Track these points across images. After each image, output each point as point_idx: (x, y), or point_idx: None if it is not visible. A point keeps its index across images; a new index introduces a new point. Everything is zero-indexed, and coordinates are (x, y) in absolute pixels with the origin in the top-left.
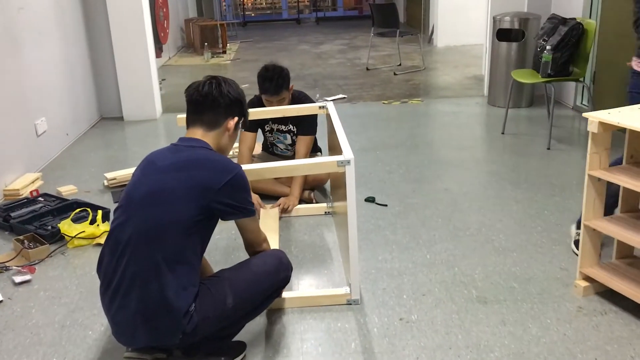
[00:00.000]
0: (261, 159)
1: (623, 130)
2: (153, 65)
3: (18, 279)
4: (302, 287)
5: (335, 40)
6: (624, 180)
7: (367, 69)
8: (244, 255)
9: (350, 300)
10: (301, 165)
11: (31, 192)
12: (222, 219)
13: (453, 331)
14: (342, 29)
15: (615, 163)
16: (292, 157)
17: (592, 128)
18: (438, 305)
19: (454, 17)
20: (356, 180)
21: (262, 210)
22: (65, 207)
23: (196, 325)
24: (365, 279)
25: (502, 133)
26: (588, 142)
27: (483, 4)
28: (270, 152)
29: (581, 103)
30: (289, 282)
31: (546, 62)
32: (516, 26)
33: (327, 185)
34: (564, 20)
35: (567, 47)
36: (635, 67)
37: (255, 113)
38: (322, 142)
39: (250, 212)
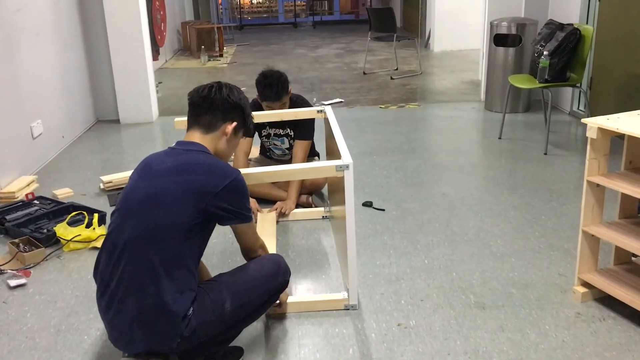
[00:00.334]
0: (258, 163)
1: (621, 136)
2: (150, 68)
3: (13, 282)
4: (299, 292)
5: (332, 44)
6: (623, 186)
7: (364, 73)
8: (241, 260)
9: (348, 305)
10: (300, 169)
11: (27, 195)
12: (219, 224)
13: (451, 337)
14: (339, 33)
15: None
16: (289, 162)
17: (591, 134)
18: (436, 310)
19: (451, 21)
20: (354, 185)
21: (259, 214)
22: (61, 210)
23: (194, 329)
24: (363, 284)
25: (499, 138)
26: (587, 148)
27: (480, 9)
28: (268, 156)
29: (578, 108)
30: (287, 286)
31: (543, 68)
32: (513, 31)
33: (325, 190)
34: (561, 26)
35: (564, 52)
36: None
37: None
38: (320, 147)
39: (248, 217)
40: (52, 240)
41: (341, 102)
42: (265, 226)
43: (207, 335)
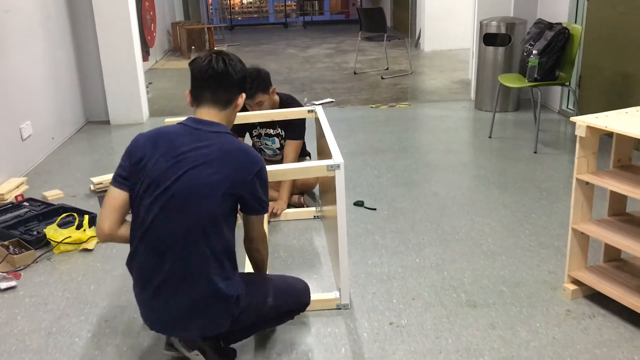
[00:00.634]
0: None
1: (610, 134)
2: (140, 69)
3: (3, 285)
4: None
5: (322, 44)
6: (611, 184)
7: (355, 73)
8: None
9: (340, 304)
10: (291, 169)
11: (16, 197)
12: (243, 212)
13: (443, 335)
14: (330, 33)
15: None
16: (281, 162)
17: (580, 132)
18: (428, 309)
19: (441, 21)
20: (345, 185)
21: None
22: (51, 212)
23: (242, 310)
24: (355, 284)
25: (489, 137)
26: (576, 146)
27: (470, 8)
28: None
29: (567, 107)
30: (306, 308)
31: (532, 67)
32: (503, 31)
33: (316, 190)
34: (550, 25)
35: (553, 51)
36: None
37: (244, 117)
38: (311, 146)
39: (266, 209)
40: (42, 242)
41: (332, 102)
42: None
43: (246, 322)
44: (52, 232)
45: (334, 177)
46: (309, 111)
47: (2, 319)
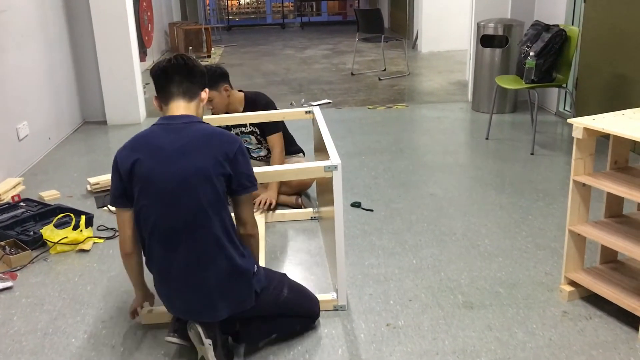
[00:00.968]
0: None
1: (607, 136)
2: (137, 69)
3: None
4: None
5: (320, 45)
6: (608, 186)
7: (352, 74)
8: None
9: (337, 306)
10: (289, 170)
11: (12, 197)
12: (234, 193)
13: (440, 336)
14: (327, 34)
15: None
16: (266, 157)
17: (577, 134)
18: (425, 310)
19: (438, 23)
20: (342, 185)
21: None
22: (48, 213)
23: (262, 289)
24: (352, 285)
25: (487, 138)
26: (573, 148)
27: (467, 10)
28: None
29: (564, 109)
30: (316, 319)
31: (530, 68)
32: (500, 32)
33: (313, 190)
34: (547, 27)
35: (550, 53)
36: None
37: (236, 119)
38: (308, 147)
39: (255, 185)
40: (39, 243)
41: (329, 103)
42: None
43: (265, 310)
44: (49, 232)
45: (331, 178)
46: (306, 112)
47: None
